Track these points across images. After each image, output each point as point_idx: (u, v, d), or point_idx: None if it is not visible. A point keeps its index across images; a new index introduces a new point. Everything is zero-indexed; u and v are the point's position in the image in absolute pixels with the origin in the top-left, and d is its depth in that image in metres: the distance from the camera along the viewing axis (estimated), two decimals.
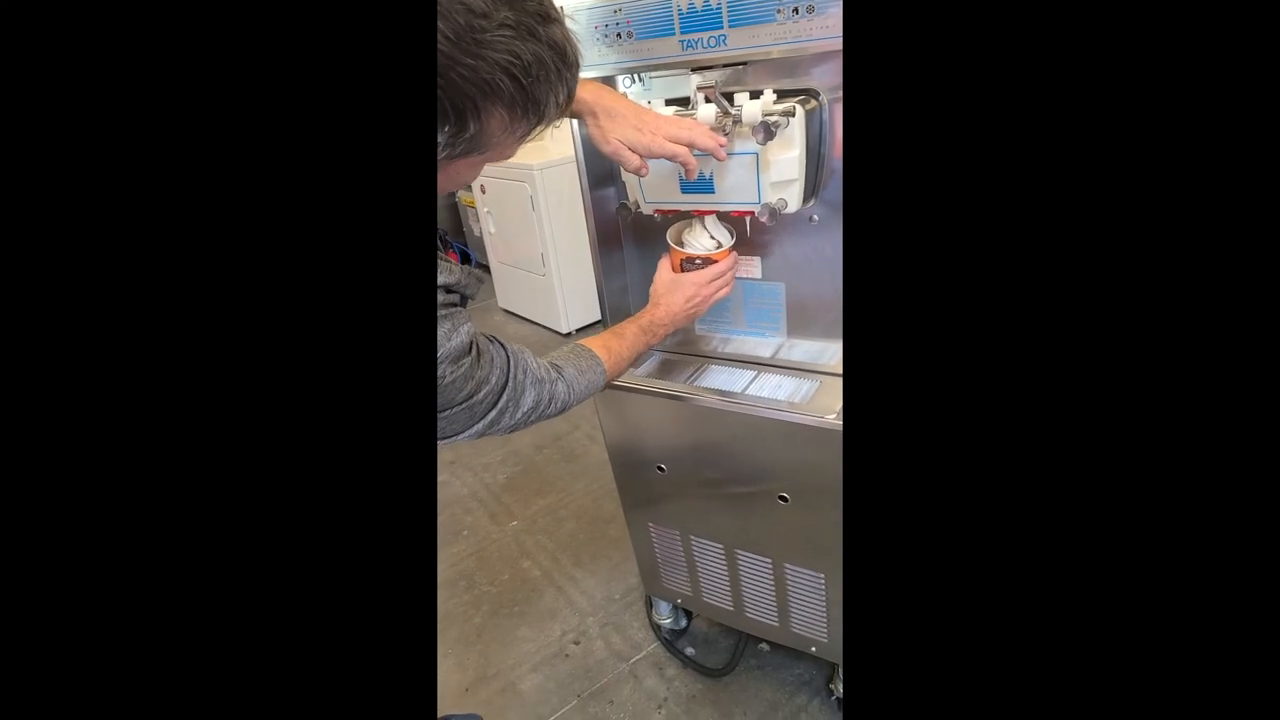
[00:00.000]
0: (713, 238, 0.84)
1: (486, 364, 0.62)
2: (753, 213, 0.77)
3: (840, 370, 0.91)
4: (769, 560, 1.02)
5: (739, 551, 1.05)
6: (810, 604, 1.03)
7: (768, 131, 0.68)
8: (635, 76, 0.84)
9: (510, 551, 1.63)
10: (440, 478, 1.94)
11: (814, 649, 1.08)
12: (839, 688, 1.14)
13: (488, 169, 0.54)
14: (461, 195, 3.28)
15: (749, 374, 0.95)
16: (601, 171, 0.93)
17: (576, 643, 1.36)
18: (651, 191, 0.83)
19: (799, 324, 0.93)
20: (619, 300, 1.02)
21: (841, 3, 0.64)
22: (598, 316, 1.02)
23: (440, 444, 0.57)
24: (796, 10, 0.66)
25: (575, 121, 0.79)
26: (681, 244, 0.85)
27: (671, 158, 0.71)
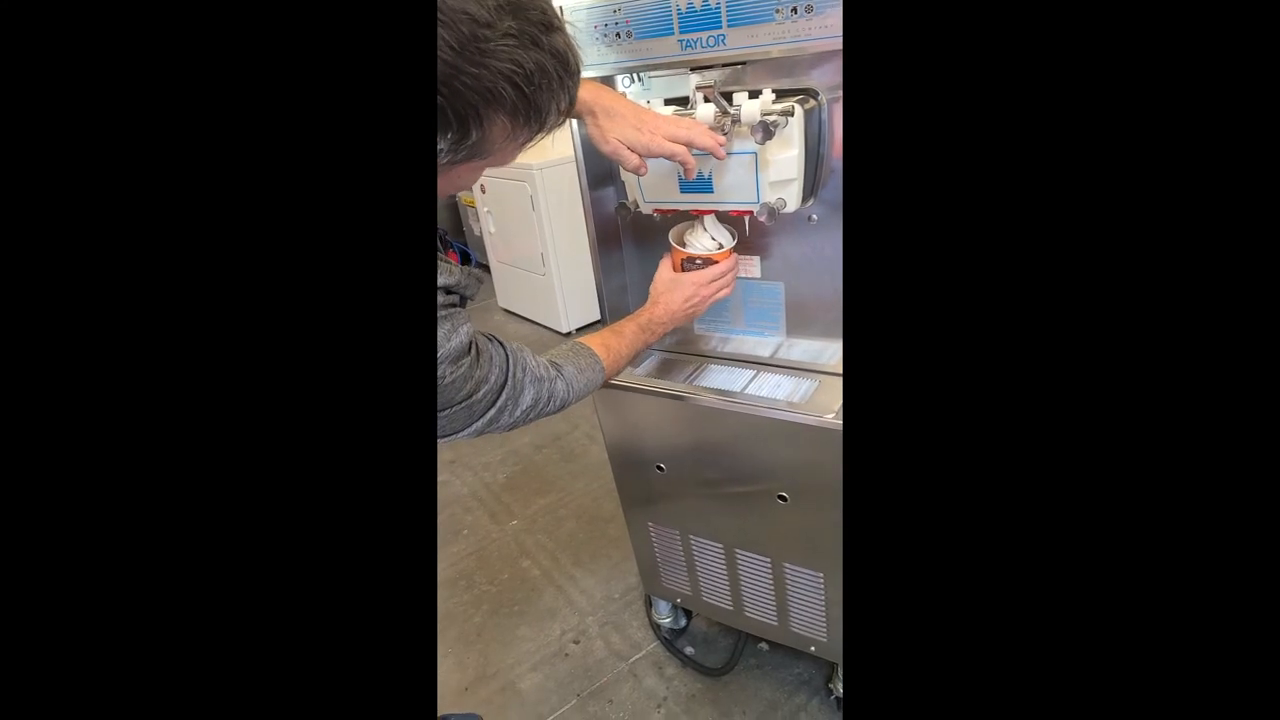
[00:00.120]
0: (714, 239, 0.85)
1: (486, 363, 0.62)
2: (751, 212, 0.77)
3: (839, 370, 0.91)
4: (768, 560, 1.03)
5: (738, 551, 1.05)
6: (809, 603, 1.03)
7: (766, 131, 0.68)
8: (634, 76, 0.84)
9: (510, 551, 1.63)
10: (440, 477, 1.94)
11: (813, 648, 1.08)
12: (838, 687, 1.14)
13: (488, 169, 0.55)
14: (462, 195, 3.28)
15: (748, 373, 0.95)
16: (601, 171, 0.93)
17: (576, 642, 1.36)
18: (650, 191, 0.83)
19: (798, 323, 0.93)
20: (618, 300, 1.02)
21: (841, 3, 0.64)
22: (598, 316, 1.02)
23: (440, 442, 0.57)
24: (795, 10, 0.66)
25: (575, 121, 0.79)
26: (683, 244, 0.85)
27: (670, 157, 0.71)
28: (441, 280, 0.56)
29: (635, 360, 1.00)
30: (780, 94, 0.73)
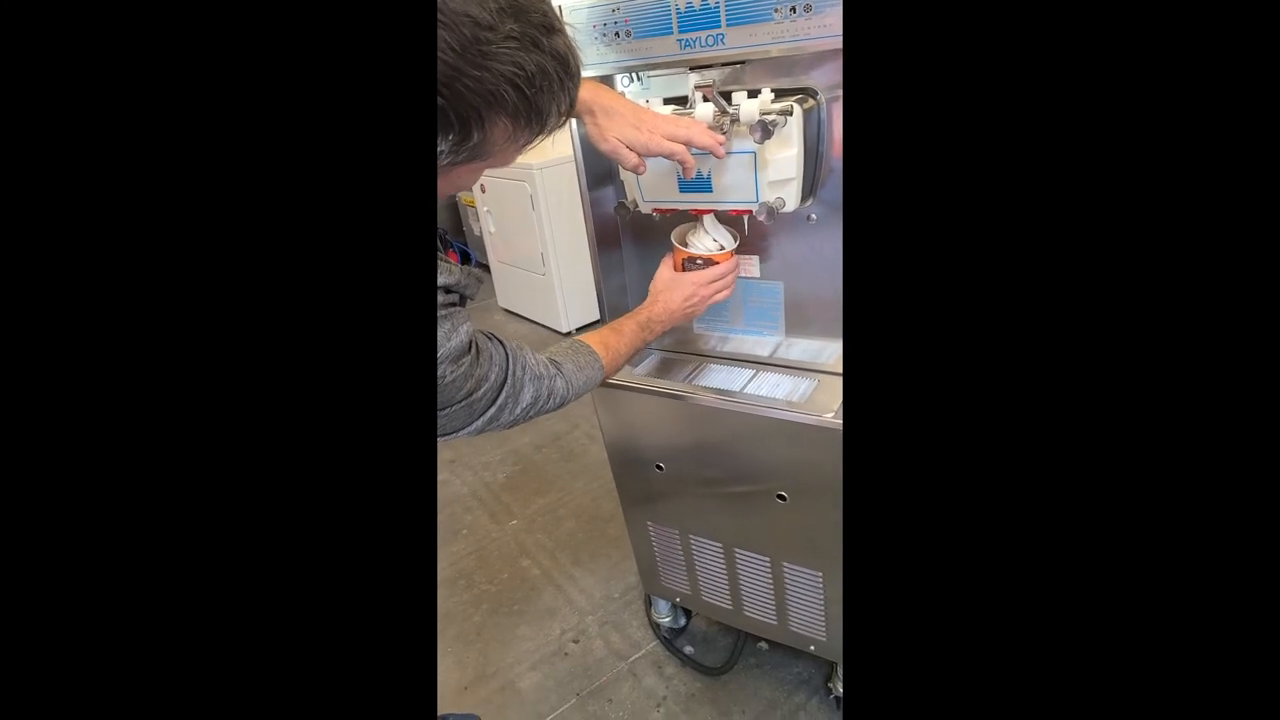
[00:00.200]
0: (715, 240, 0.85)
1: (485, 362, 0.62)
2: (750, 211, 0.77)
3: (838, 369, 0.91)
4: (767, 559, 1.03)
5: (737, 550, 1.05)
6: (808, 602, 1.03)
7: (765, 130, 0.68)
8: (633, 75, 0.84)
9: (510, 550, 1.63)
10: (440, 477, 1.94)
11: (812, 647, 1.08)
12: (837, 686, 1.14)
13: (488, 169, 0.55)
14: (462, 195, 3.28)
15: (747, 373, 0.95)
16: (600, 170, 0.93)
17: (576, 641, 1.37)
18: (650, 190, 0.83)
19: (797, 323, 0.93)
20: (618, 299, 1.02)
21: (839, 2, 0.64)
22: (597, 316, 1.02)
23: (440, 441, 0.57)
24: (794, 9, 0.66)
25: (574, 121, 0.79)
26: (685, 244, 0.85)
27: (669, 156, 0.71)
28: (441, 280, 0.56)
29: (635, 360, 1.00)
30: (779, 93, 0.73)
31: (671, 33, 0.74)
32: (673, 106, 0.78)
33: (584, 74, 0.53)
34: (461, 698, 1.28)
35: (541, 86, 0.47)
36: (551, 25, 0.47)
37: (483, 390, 0.62)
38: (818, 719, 1.15)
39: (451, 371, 0.58)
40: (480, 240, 3.19)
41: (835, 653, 1.08)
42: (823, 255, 0.86)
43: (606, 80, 0.83)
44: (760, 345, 0.97)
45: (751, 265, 0.92)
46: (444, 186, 0.52)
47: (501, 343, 0.66)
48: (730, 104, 0.71)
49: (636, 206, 0.86)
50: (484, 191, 2.83)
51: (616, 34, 0.77)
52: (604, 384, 0.96)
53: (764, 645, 1.28)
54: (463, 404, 0.60)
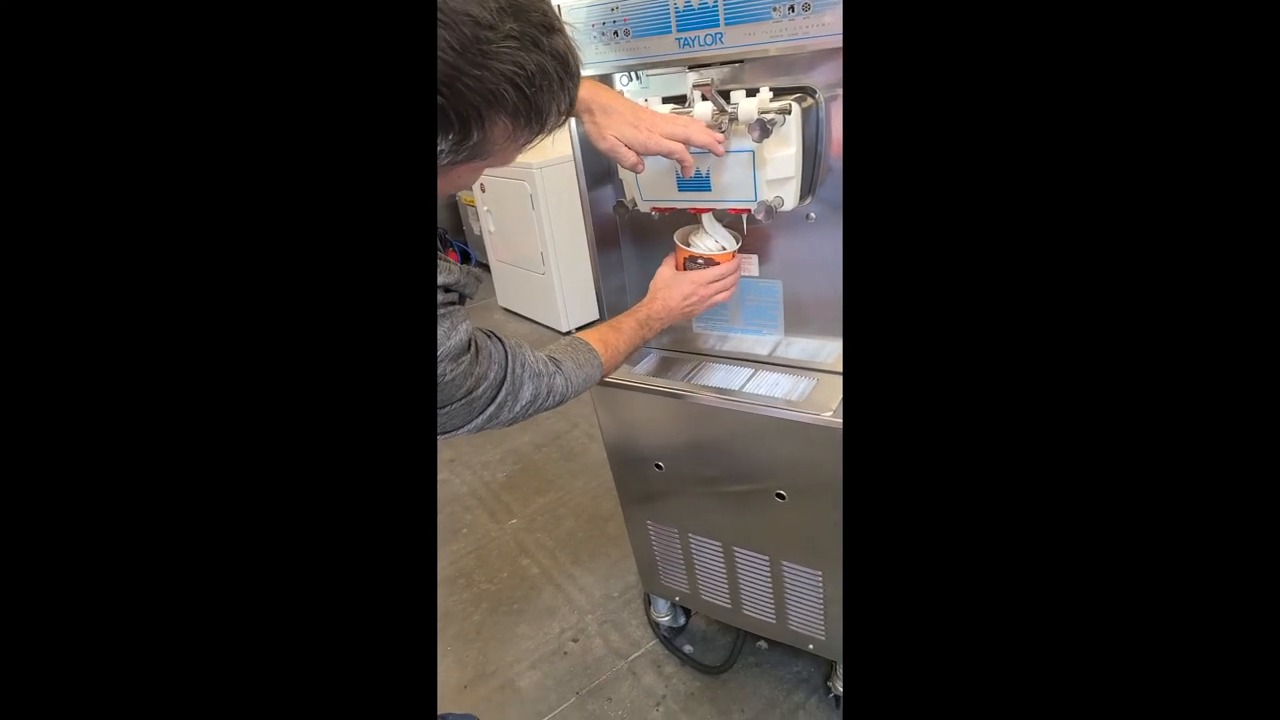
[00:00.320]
0: (717, 241, 0.85)
1: (485, 360, 0.62)
2: (749, 210, 0.77)
3: (837, 368, 0.91)
4: (766, 558, 1.03)
5: (736, 549, 1.06)
6: (807, 601, 1.03)
7: (764, 129, 0.68)
8: (632, 74, 0.84)
9: (509, 549, 1.64)
10: (440, 476, 1.94)
11: (811, 646, 1.09)
12: (837, 685, 1.14)
13: (488, 169, 0.55)
14: (461, 194, 3.28)
15: (746, 371, 0.95)
16: (599, 170, 0.93)
17: (575, 640, 1.37)
18: (648, 189, 0.83)
19: (796, 322, 0.94)
20: (617, 298, 1.02)
21: (838, 1, 0.64)
22: (597, 315, 1.02)
23: (439, 440, 0.58)
24: (792, 8, 0.66)
25: (573, 119, 0.79)
26: (688, 244, 0.85)
27: (668, 154, 0.71)
28: (441, 279, 0.57)
29: (634, 359, 1.00)
30: (778, 92, 0.73)
31: (670, 32, 0.74)
32: (671, 105, 0.78)
33: (583, 73, 0.53)
34: (461, 696, 1.28)
35: (541, 86, 0.47)
36: (551, 25, 0.47)
37: (482, 388, 0.62)
38: (817, 718, 1.15)
39: (451, 370, 0.58)
40: (480, 239, 3.19)
41: (834, 651, 1.08)
42: (821, 254, 0.86)
43: (605, 79, 0.83)
44: (759, 344, 0.98)
45: (750, 264, 0.92)
46: (444, 186, 0.52)
47: (501, 341, 0.66)
48: (729, 103, 0.71)
49: (635, 205, 0.86)
50: (484, 191, 2.83)
51: (615, 33, 0.77)
52: (603, 383, 0.96)
53: (763, 644, 1.28)
54: (462, 402, 0.60)
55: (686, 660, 1.28)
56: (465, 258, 3.62)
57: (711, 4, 0.70)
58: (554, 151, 2.40)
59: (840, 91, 0.74)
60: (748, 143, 0.72)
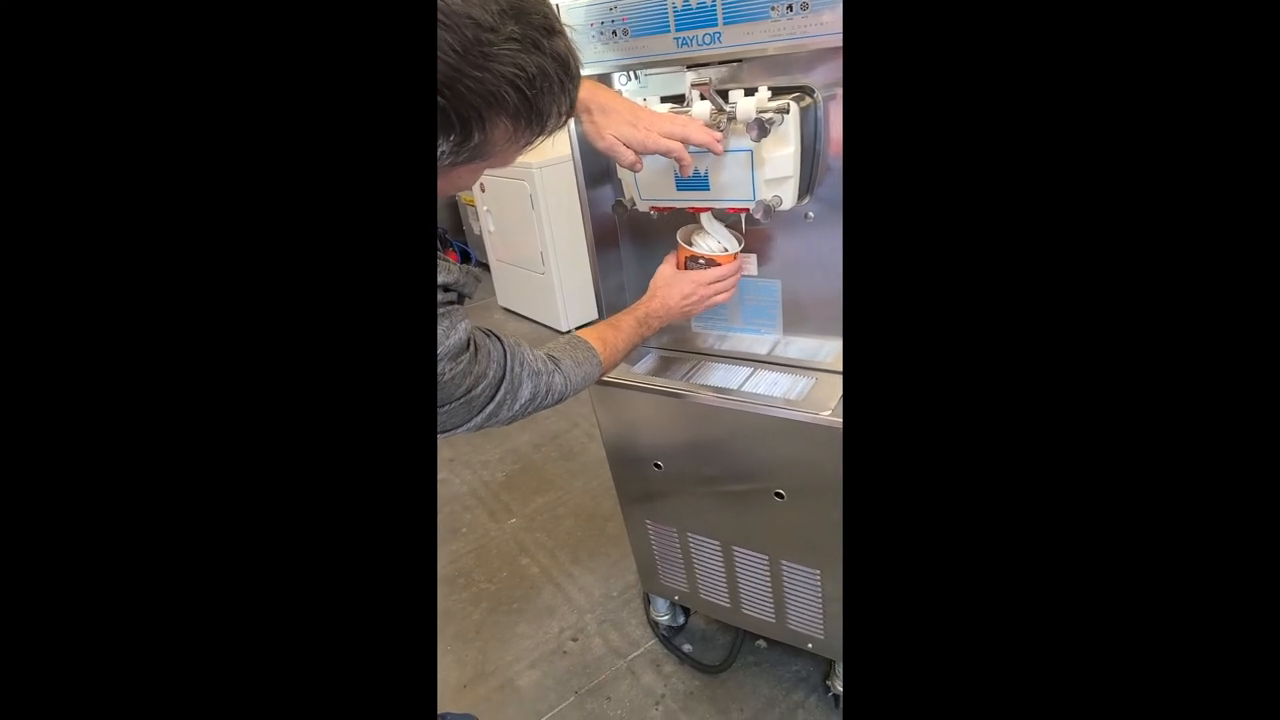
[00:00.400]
0: (719, 242, 0.85)
1: (484, 359, 0.62)
2: (747, 210, 0.77)
3: (835, 367, 0.91)
4: (765, 557, 1.03)
5: (735, 548, 1.06)
6: (806, 600, 1.03)
7: (762, 128, 0.68)
8: (631, 74, 0.85)
9: (509, 549, 1.64)
10: (439, 475, 1.94)
11: (810, 645, 1.09)
12: (836, 684, 1.14)
13: (488, 169, 0.55)
14: (461, 194, 3.28)
15: (745, 371, 0.96)
16: (598, 169, 0.93)
17: (574, 639, 1.37)
18: (647, 189, 0.83)
19: (795, 321, 0.94)
20: (616, 298, 1.02)
21: (838, 0, 0.64)
22: (596, 315, 1.02)
23: (439, 439, 0.58)
24: (790, 8, 0.66)
25: (571, 119, 0.79)
26: (690, 243, 0.86)
27: (666, 153, 0.71)
28: (440, 278, 0.57)
29: (633, 358, 1.00)
30: (776, 91, 0.73)
31: (669, 31, 0.74)
32: (670, 105, 0.78)
33: (582, 74, 0.54)
34: (460, 696, 1.28)
35: (542, 88, 0.48)
36: (552, 27, 0.48)
37: (481, 387, 0.62)
38: (816, 717, 1.15)
39: (450, 369, 0.58)
40: (480, 239, 3.20)
41: (833, 650, 1.08)
42: (820, 253, 0.86)
43: (604, 79, 0.83)
44: (758, 343, 0.98)
45: (749, 263, 0.92)
46: (444, 186, 0.52)
47: (500, 339, 0.66)
48: (727, 102, 0.71)
49: (634, 204, 0.86)
50: (484, 190, 2.83)
51: (614, 32, 0.77)
52: (602, 382, 0.96)
53: (762, 643, 1.29)
54: (461, 401, 0.60)
55: (686, 659, 1.28)
56: (465, 257, 3.62)
57: (710, 3, 0.70)
58: (554, 151, 2.39)
59: (838, 91, 0.74)
60: (746, 142, 0.72)
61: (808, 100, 0.74)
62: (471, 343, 0.61)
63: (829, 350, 0.92)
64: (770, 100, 0.71)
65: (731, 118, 0.71)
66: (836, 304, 0.87)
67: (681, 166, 0.74)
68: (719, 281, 0.85)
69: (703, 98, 0.73)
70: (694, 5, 0.71)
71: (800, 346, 0.94)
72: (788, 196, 0.76)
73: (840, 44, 0.66)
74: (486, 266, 3.14)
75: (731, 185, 0.77)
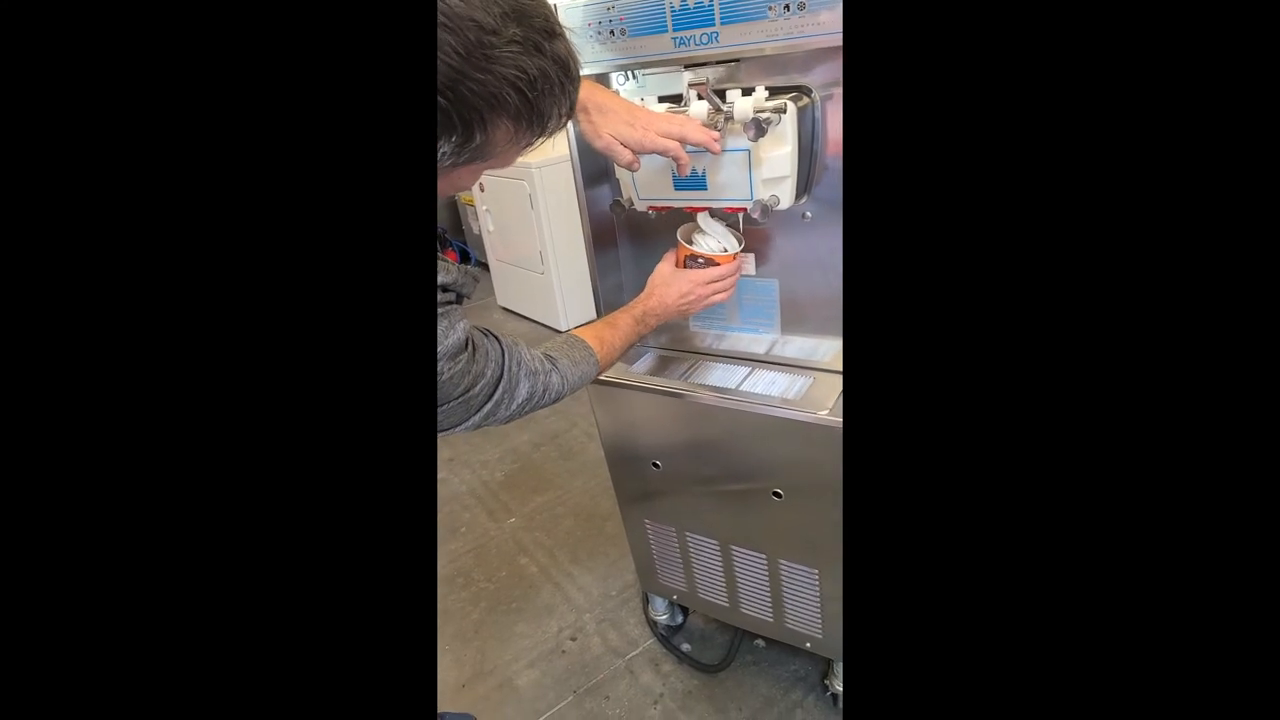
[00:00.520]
0: (719, 242, 0.85)
1: (482, 358, 0.62)
2: (745, 209, 0.77)
3: (834, 366, 0.91)
4: (764, 556, 1.03)
5: (734, 547, 1.06)
6: (805, 600, 1.03)
7: (759, 128, 0.68)
8: (628, 73, 0.85)
9: (508, 548, 1.64)
10: (438, 475, 1.94)
11: (809, 645, 1.09)
12: (834, 683, 1.14)
13: (488, 169, 0.56)
14: (461, 194, 3.29)
15: (743, 370, 0.96)
16: (596, 169, 0.93)
17: (573, 639, 1.37)
18: (645, 188, 0.84)
19: (793, 320, 0.94)
20: (614, 297, 1.02)
21: (835, 0, 0.64)
22: (595, 315, 1.02)
23: (437, 438, 0.58)
24: (788, 7, 0.66)
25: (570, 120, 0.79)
26: (690, 242, 0.86)
27: (663, 152, 0.71)
28: (439, 278, 0.57)
29: (631, 357, 1.00)
30: (773, 91, 0.74)
31: (666, 31, 0.74)
32: (668, 105, 0.78)
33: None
34: (459, 695, 1.28)
35: (543, 90, 0.48)
36: (553, 30, 0.48)
37: (479, 386, 0.62)
38: (814, 716, 1.15)
39: (449, 368, 0.58)
40: (479, 239, 3.20)
41: (832, 650, 1.08)
42: (818, 253, 0.86)
43: (601, 78, 0.83)
44: (756, 343, 0.98)
45: (747, 263, 0.92)
46: (445, 187, 0.53)
47: (498, 339, 0.66)
48: (724, 102, 0.71)
49: (632, 204, 0.86)
50: (483, 190, 2.83)
51: (611, 32, 0.77)
52: (601, 382, 0.96)
53: (761, 642, 1.29)
54: (459, 400, 0.61)
55: (684, 658, 1.28)
56: (465, 257, 3.62)
57: (707, 3, 0.70)
58: (553, 151, 2.39)
59: (835, 91, 0.75)
60: (743, 142, 0.72)
61: (805, 100, 0.74)
62: (470, 342, 0.61)
63: (827, 349, 0.92)
64: (767, 100, 0.71)
65: (729, 117, 0.71)
66: (834, 303, 0.87)
67: (679, 166, 0.74)
68: (717, 282, 0.85)
69: (700, 97, 0.73)
70: (691, 5, 0.71)
71: (798, 346, 0.94)
72: (785, 196, 0.76)
73: (837, 44, 0.66)
74: (486, 266, 3.14)
75: (729, 185, 0.77)
